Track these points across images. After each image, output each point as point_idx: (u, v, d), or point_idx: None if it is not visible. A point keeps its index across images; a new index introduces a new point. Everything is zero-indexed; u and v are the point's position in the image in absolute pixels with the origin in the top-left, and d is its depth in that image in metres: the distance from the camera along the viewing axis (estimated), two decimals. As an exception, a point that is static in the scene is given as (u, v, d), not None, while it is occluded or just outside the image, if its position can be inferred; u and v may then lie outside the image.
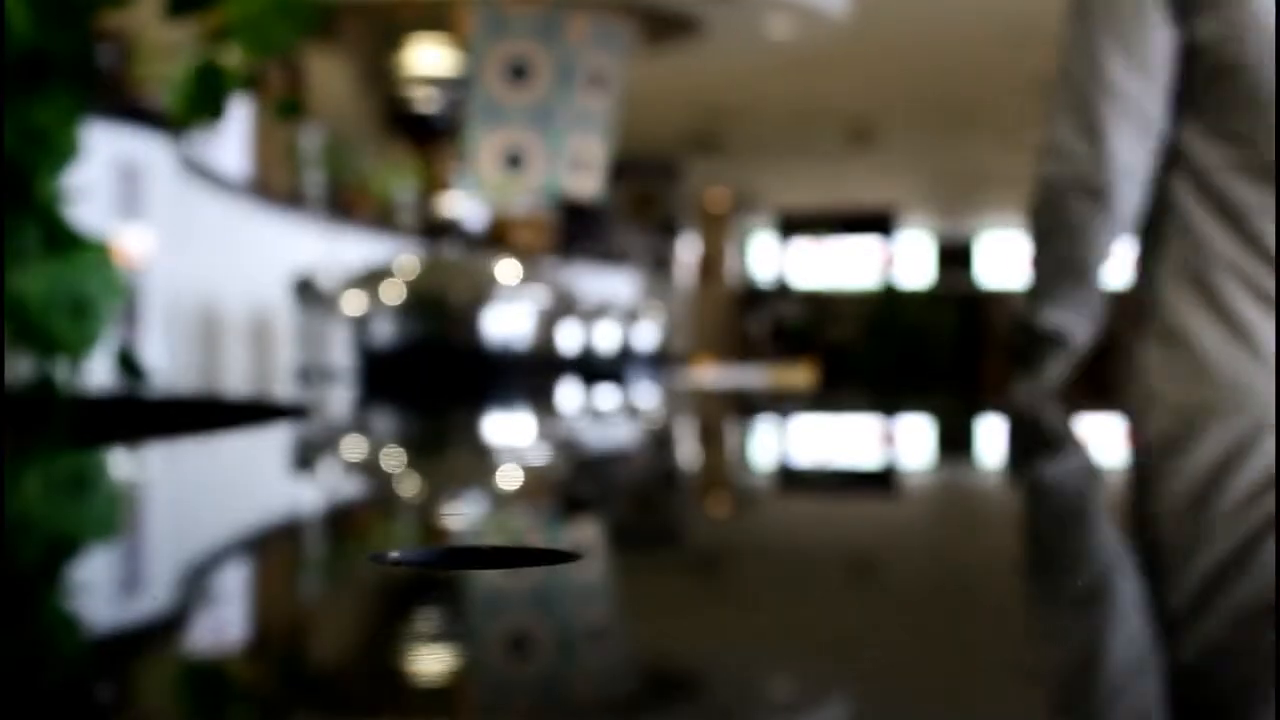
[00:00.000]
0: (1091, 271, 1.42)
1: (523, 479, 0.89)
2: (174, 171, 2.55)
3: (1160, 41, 1.33)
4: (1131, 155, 1.36)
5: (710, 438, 1.36)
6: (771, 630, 0.40)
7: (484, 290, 2.21)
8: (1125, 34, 1.32)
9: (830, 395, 2.78)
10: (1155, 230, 1.40)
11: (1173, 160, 1.38)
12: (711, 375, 4.79)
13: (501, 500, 0.78)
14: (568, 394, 2.28)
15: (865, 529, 0.65)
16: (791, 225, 15.12)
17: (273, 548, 0.59)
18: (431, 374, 2.18)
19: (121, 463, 0.97)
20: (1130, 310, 1.44)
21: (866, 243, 15.39)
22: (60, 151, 1.38)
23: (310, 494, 0.81)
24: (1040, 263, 1.45)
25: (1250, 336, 1.34)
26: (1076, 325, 1.45)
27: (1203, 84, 1.35)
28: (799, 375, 7.32)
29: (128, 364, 1.48)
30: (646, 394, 2.34)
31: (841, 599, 0.46)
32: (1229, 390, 1.34)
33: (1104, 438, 1.09)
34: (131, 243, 2.19)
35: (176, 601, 0.45)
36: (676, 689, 0.34)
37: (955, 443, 1.19)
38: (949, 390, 13.83)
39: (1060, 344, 1.46)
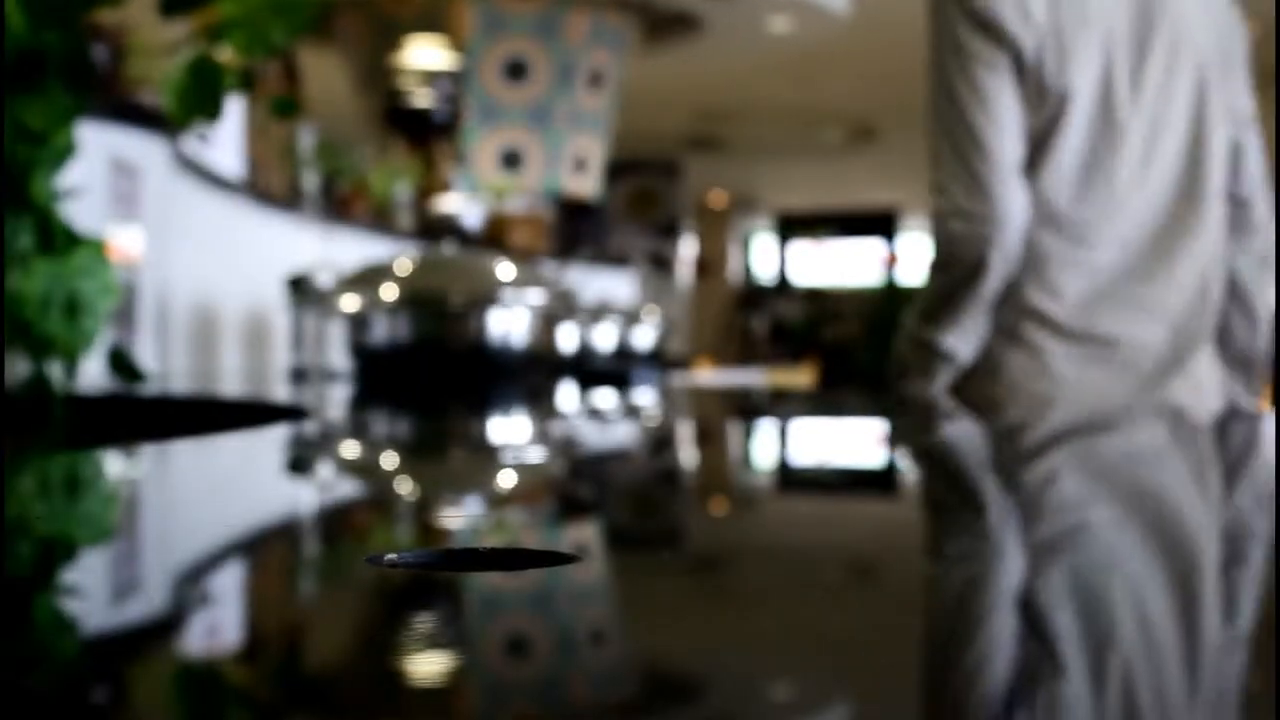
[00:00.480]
0: (984, 306, 1.69)
1: (520, 480, 0.88)
2: (169, 171, 2.55)
3: (1019, 117, 1.63)
4: (1015, 208, 1.63)
5: (706, 439, 1.36)
6: (767, 630, 0.40)
7: (481, 290, 2.20)
8: (995, 113, 1.61)
9: (829, 395, 2.78)
10: None
11: None
12: (711, 375, 4.79)
13: (499, 501, 0.77)
14: (566, 395, 2.28)
15: (838, 530, 0.64)
16: (791, 225, 15.12)
17: (269, 550, 0.59)
18: (429, 374, 2.18)
19: (117, 464, 0.97)
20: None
21: (867, 242, 15.41)
22: (55, 151, 1.37)
23: (308, 495, 0.81)
24: (939, 291, 1.71)
25: (1043, 359, 1.67)
26: (964, 347, 1.72)
27: (1038, 142, 1.66)
28: (799, 375, 7.33)
29: (123, 364, 1.47)
30: (645, 394, 2.34)
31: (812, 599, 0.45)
32: (1024, 399, 1.66)
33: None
34: (126, 242, 2.18)
35: (172, 604, 0.45)
36: (670, 690, 0.34)
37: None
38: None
39: (949, 361, 1.73)
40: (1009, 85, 1.62)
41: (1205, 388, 1.72)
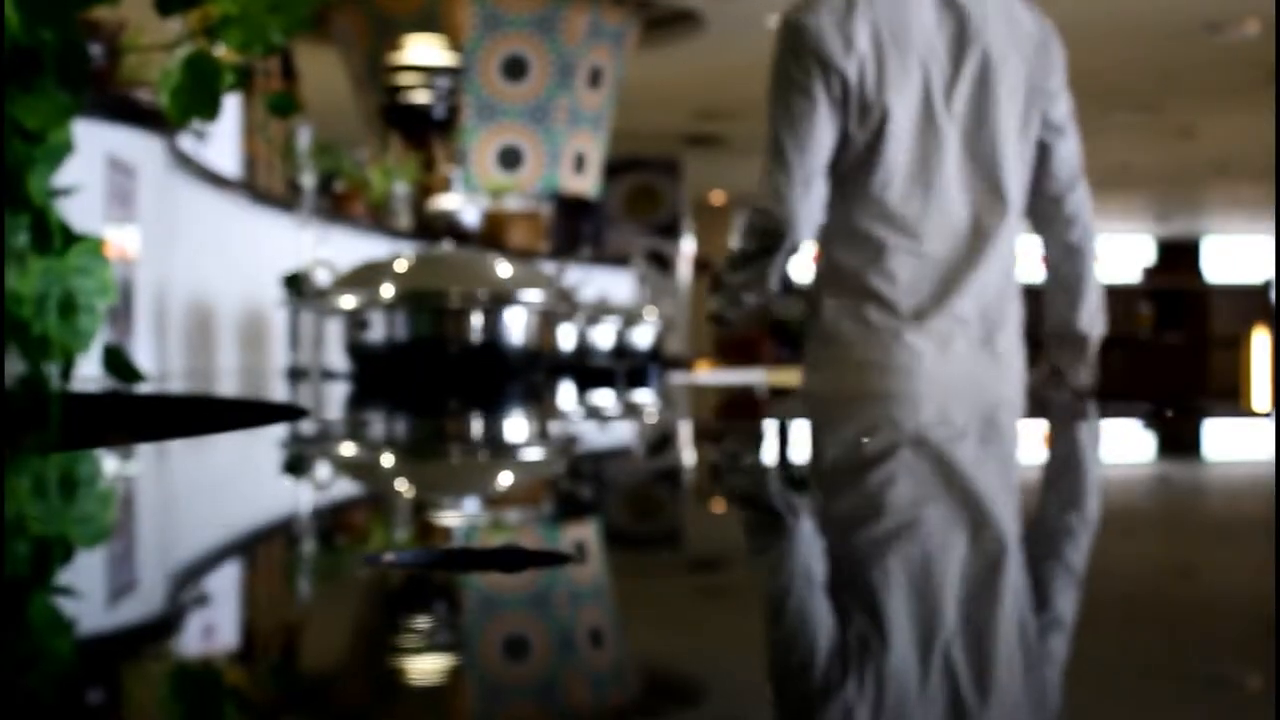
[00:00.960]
0: (773, 271, 2.07)
1: (518, 479, 0.88)
2: (166, 169, 2.54)
3: (823, 134, 1.95)
4: (803, 209, 1.97)
5: (703, 439, 1.36)
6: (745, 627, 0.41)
7: (479, 289, 2.20)
8: (799, 132, 1.94)
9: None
10: (818, 257, 2.09)
11: (836, 215, 2.01)
12: (710, 374, 4.79)
13: (497, 500, 0.77)
14: (564, 393, 2.27)
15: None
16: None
17: (267, 550, 0.59)
18: (426, 373, 2.17)
19: (114, 464, 0.96)
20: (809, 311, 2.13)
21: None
22: (52, 149, 1.37)
23: (305, 495, 0.80)
24: (743, 255, 2.08)
25: (881, 335, 1.99)
26: (751, 298, 2.12)
27: (852, 163, 1.98)
28: (798, 374, 7.30)
29: (118, 363, 1.47)
30: (643, 393, 2.33)
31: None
32: (868, 370, 2.01)
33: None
34: (123, 241, 2.18)
35: (169, 603, 0.44)
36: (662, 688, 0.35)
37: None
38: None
39: (740, 304, 2.15)
40: (822, 109, 1.94)
41: (1009, 361, 2.05)
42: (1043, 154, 2.06)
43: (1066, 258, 2.13)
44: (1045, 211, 2.10)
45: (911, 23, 1.94)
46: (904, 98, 1.94)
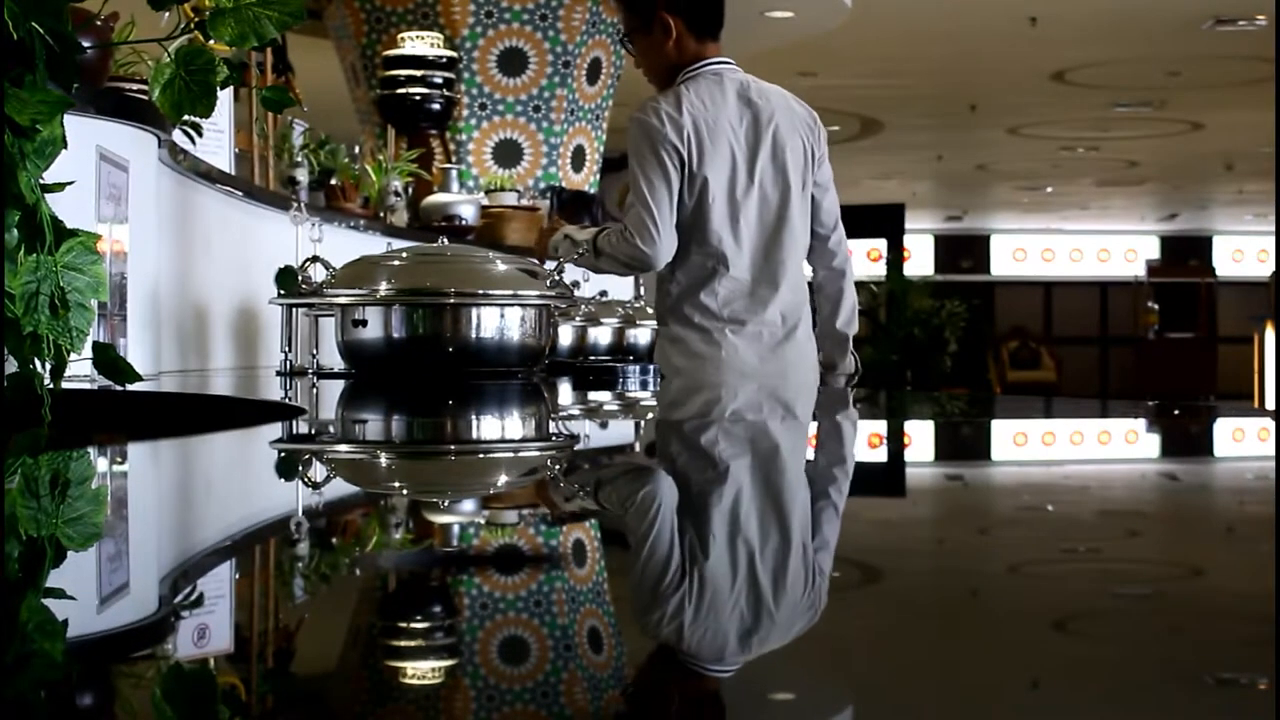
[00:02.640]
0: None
1: (515, 478, 0.87)
2: (159, 165, 2.53)
3: (672, 195, 2.73)
4: (658, 247, 2.72)
5: (699, 438, 1.35)
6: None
7: (476, 286, 2.18)
8: (659, 192, 2.71)
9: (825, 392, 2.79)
10: (665, 282, 2.84)
11: (684, 249, 2.78)
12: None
13: (494, 498, 0.76)
14: (562, 391, 2.26)
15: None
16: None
17: (263, 549, 0.58)
18: (422, 370, 2.16)
19: (106, 462, 0.95)
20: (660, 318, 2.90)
21: (872, 237, 15.38)
22: (43, 144, 1.35)
23: (299, 494, 0.79)
24: (616, 273, 2.97)
25: (710, 335, 2.78)
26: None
27: (685, 216, 2.75)
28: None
29: (111, 361, 1.45)
30: (642, 391, 2.32)
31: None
32: (709, 366, 2.77)
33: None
34: (115, 237, 2.16)
35: (162, 603, 0.44)
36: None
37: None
38: (954, 385, 13.88)
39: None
40: (672, 177, 2.73)
41: (804, 350, 2.87)
42: (813, 205, 2.88)
43: (831, 279, 2.95)
44: (815, 246, 2.91)
45: (720, 117, 2.77)
46: (716, 171, 2.75)
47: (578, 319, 3.32)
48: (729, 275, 2.75)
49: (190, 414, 1.56)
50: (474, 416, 1.67)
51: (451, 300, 2.13)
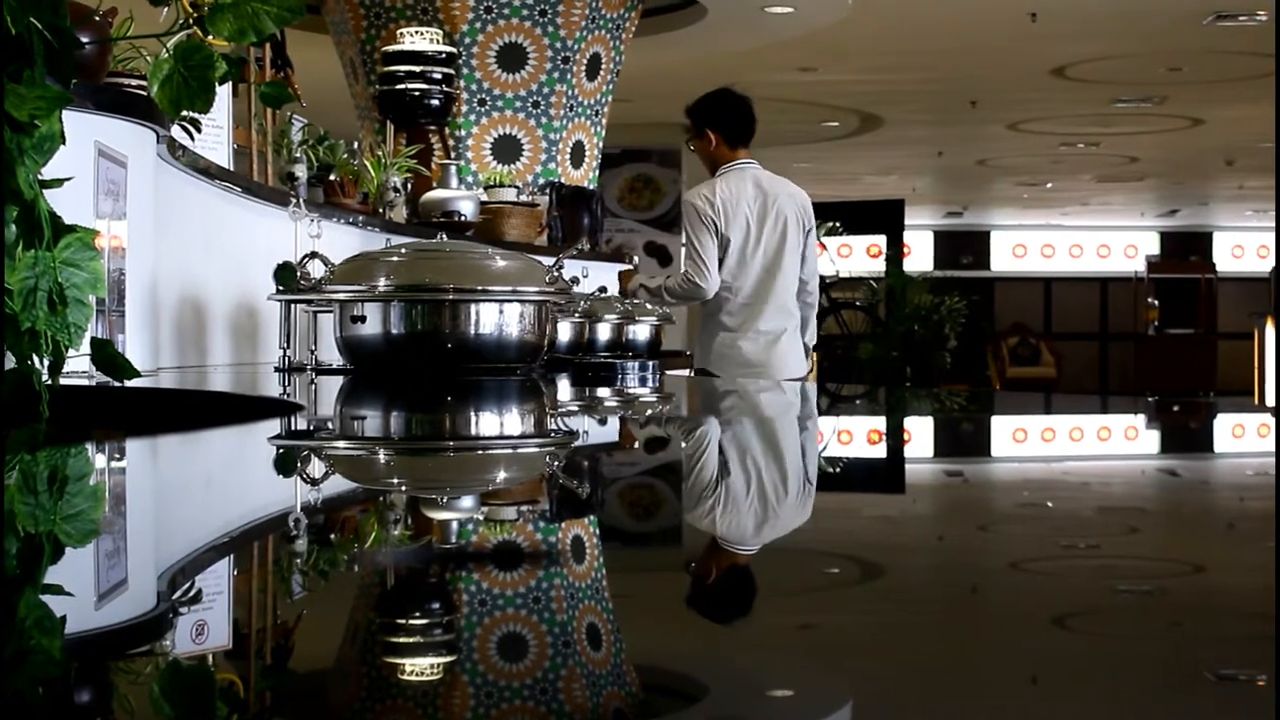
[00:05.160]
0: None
1: (513, 475, 0.87)
2: (157, 161, 2.52)
3: (714, 250, 4.26)
4: (708, 285, 4.25)
5: (697, 437, 1.35)
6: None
7: (475, 282, 2.18)
8: (706, 248, 4.23)
9: (825, 391, 2.79)
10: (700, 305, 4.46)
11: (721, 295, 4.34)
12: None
13: (492, 496, 0.76)
14: (562, 389, 2.25)
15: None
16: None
17: (261, 545, 0.58)
18: (421, 367, 2.16)
19: (105, 458, 0.95)
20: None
21: (872, 233, 15.35)
22: (42, 140, 1.34)
23: (299, 492, 0.79)
24: (674, 304, 4.45)
25: (725, 338, 4.33)
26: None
27: (723, 259, 4.27)
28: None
29: (109, 357, 1.45)
30: (641, 388, 2.32)
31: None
32: (719, 355, 4.34)
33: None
34: (114, 233, 2.16)
35: (164, 599, 0.44)
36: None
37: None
38: (954, 381, 13.89)
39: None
40: (710, 234, 4.21)
41: (790, 354, 4.32)
42: (801, 261, 4.33)
43: (804, 309, 4.41)
44: (800, 287, 4.37)
45: (741, 199, 4.24)
46: (735, 233, 4.23)
47: (577, 315, 3.32)
48: (737, 300, 4.26)
49: (188, 410, 1.56)
50: (472, 413, 1.67)
51: (450, 296, 2.12)
